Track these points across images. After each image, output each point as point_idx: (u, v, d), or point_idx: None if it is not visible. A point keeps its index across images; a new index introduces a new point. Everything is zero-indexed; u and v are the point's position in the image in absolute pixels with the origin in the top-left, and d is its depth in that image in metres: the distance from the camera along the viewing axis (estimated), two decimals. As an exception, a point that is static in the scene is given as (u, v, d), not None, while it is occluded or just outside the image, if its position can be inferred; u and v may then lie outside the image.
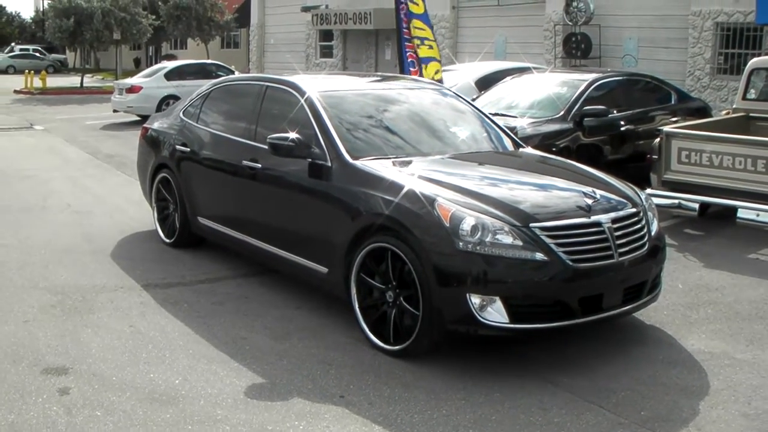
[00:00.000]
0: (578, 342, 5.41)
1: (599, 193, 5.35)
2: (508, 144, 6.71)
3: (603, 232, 5.07)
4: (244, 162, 6.54)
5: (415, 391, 4.70)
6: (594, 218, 5.08)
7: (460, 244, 4.79)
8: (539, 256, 4.81)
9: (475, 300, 4.77)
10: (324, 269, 5.76)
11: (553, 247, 4.85)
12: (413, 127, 6.46)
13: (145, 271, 6.97)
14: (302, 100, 6.28)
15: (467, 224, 4.82)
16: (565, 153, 8.93)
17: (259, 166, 6.39)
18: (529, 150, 6.77)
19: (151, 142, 8.18)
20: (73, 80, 38.65)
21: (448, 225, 4.86)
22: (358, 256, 5.35)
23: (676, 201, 8.49)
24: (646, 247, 5.35)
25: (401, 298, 5.13)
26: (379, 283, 5.30)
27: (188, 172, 7.43)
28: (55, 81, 36.90)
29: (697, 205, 8.43)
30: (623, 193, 5.62)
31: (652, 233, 5.51)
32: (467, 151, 6.35)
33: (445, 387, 4.76)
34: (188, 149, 7.42)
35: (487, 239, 4.79)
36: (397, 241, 5.08)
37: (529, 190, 5.45)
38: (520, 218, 4.91)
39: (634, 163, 9.84)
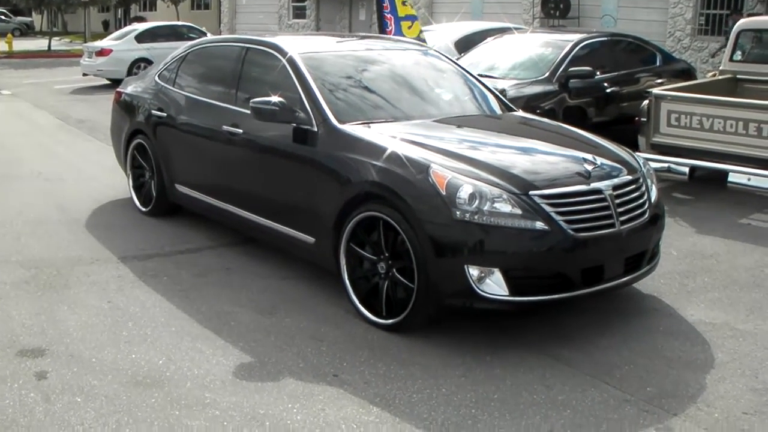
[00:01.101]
0: (575, 313, 5.23)
1: (599, 159, 5.13)
2: (497, 107, 6.46)
3: (604, 199, 4.86)
4: (224, 127, 6.25)
5: (412, 368, 4.49)
6: (594, 185, 4.87)
7: (457, 213, 4.56)
8: (539, 225, 4.59)
9: (473, 272, 4.55)
10: (311, 239, 5.52)
11: (554, 215, 4.64)
12: (400, 89, 6.19)
13: (122, 242, 6.69)
14: (285, 61, 5.99)
15: (464, 192, 4.59)
16: (550, 115, 8.74)
17: (240, 131, 6.11)
18: (520, 113, 6.53)
19: (126, 107, 7.85)
20: (40, 43, 37.76)
21: (444, 193, 4.62)
22: (348, 226, 5.12)
23: (666, 165, 8.30)
24: (646, 214, 5.15)
25: (394, 270, 4.91)
26: (370, 254, 5.07)
27: (165, 137, 7.13)
28: (21, 44, 36.05)
29: (687, 169, 8.25)
30: (622, 159, 5.41)
31: (652, 200, 5.31)
32: (457, 114, 6.10)
33: (443, 363, 4.55)
34: (165, 114, 7.10)
35: (485, 208, 4.57)
36: (389, 209, 4.84)
37: (526, 156, 5.21)
38: (519, 186, 4.69)
39: (620, 125, 9.66)
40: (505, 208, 4.59)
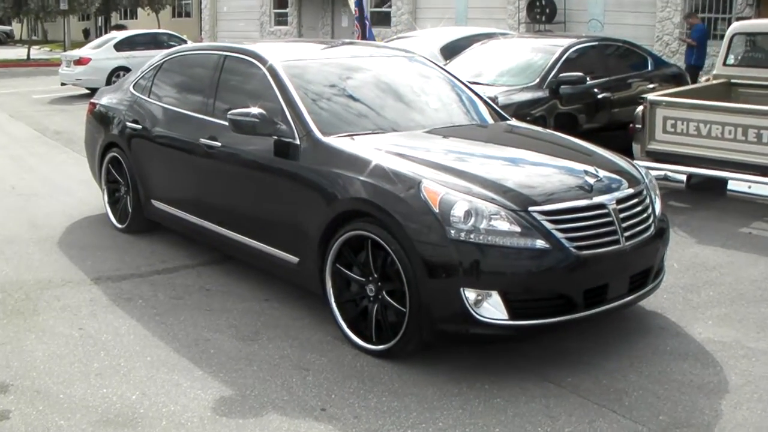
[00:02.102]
0: (575, 335, 4.91)
1: (600, 171, 4.83)
2: (489, 115, 6.15)
3: (608, 214, 4.56)
4: (202, 140, 5.92)
5: (405, 399, 4.17)
6: (597, 199, 4.57)
7: (452, 232, 4.24)
8: (540, 243, 4.28)
9: (469, 295, 4.23)
10: (294, 259, 5.19)
11: (555, 233, 4.33)
12: (387, 99, 5.87)
13: (95, 262, 6.33)
14: (265, 70, 5.67)
15: (459, 209, 4.27)
16: (541, 122, 8.51)
17: (219, 144, 5.78)
18: (513, 122, 6.22)
19: (100, 119, 7.50)
20: (19, 52, 37.23)
21: (436, 210, 4.30)
22: (334, 246, 4.79)
23: (662, 172, 8.01)
24: (651, 229, 4.86)
25: (384, 293, 4.59)
26: (358, 276, 4.75)
27: (140, 151, 6.78)
28: (0, 53, 35.47)
29: (684, 177, 7.98)
30: (624, 170, 5.11)
31: (657, 213, 5.02)
32: (447, 123, 5.78)
33: (439, 393, 4.23)
34: (140, 126, 6.76)
35: (482, 226, 4.25)
36: (378, 228, 4.52)
37: (523, 169, 4.90)
38: (518, 201, 4.38)
39: (612, 132, 9.41)
40: (502, 225, 4.27)
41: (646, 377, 4.46)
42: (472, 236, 4.23)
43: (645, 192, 4.98)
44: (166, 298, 5.58)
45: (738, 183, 7.56)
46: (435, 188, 4.38)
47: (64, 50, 29.27)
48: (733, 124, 7.64)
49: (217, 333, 4.98)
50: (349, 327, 4.80)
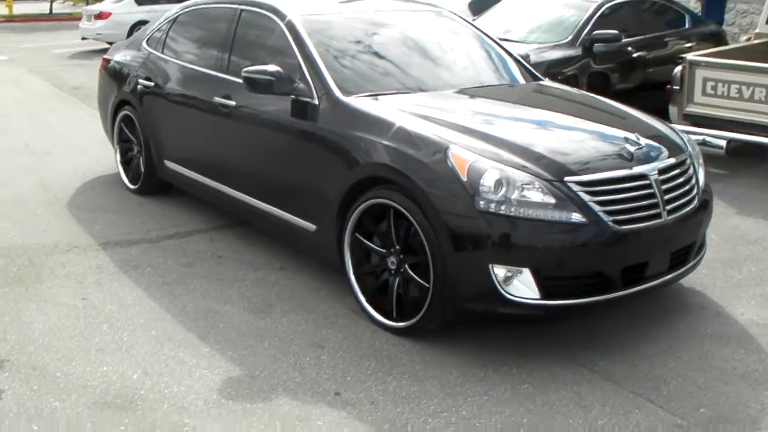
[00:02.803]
0: (608, 315, 4.58)
1: (642, 138, 4.46)
2: (520, 75, 5.76)
3: (649, 186, 4.19)
4: (216, 99, 5.59)
5: (427, 383, 3.87)
6: (638, 169, 4.20)
7: (481, 203, 3.90)
8: (576, 217, 3.93)
9: (498, 271, 3.90)
10: (311, 227, 4.88)
11: (592, 205, 3.98)
12: (413, 57, 5.49)
13: (104, 226, 6.06)
14: (282, 25, 5.32)
15: (489, 178, 3.93)
16: (573, 82, 8.15)
17: (233, 103, 5.45)
18: (547, 82, 5.83)
19: (113, 75, 7.18)
20: (41, 6, 36.83)
21: (465, 179, 3.96)
22: (353, 214, 4.48)
23: (701, 137, 7.59)
24: (695, 202, 4.49)
25: (406, 266, 4.27)
26: (378, 247, 4.43)
27: (153, 109, 6.47)
28: (22, 7, 35.11)
29: (724, 143, 7.55)
30: (666, 137, 4.74)
31: (701, 184, 4.66)
32: (477, 84, 5.41)
33: (462, 377, 3.93)
34: (152, 83, 6.44)
35: (513, 196, 3.91)
36: (401, 197, 4.19)
37: (559, 135, 4.52)
38: (552, 170, 4.02)
39: (647, 92, 8.99)
40: (536, 196, 3.93)
41: (685, 363, 4.14)
42: (502, 208, 3.89)
43: (688, 161, 4.61)
44: (176, 265, 5.30)
45: (782, 150, 7.14)
46: (463, 154, 4.04)
47: (86, 4, 28.90)
48: (778, 87, 7.19)
49: (228, 305, 4.69)
50: (368, 301, 4.50)
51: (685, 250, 4.49)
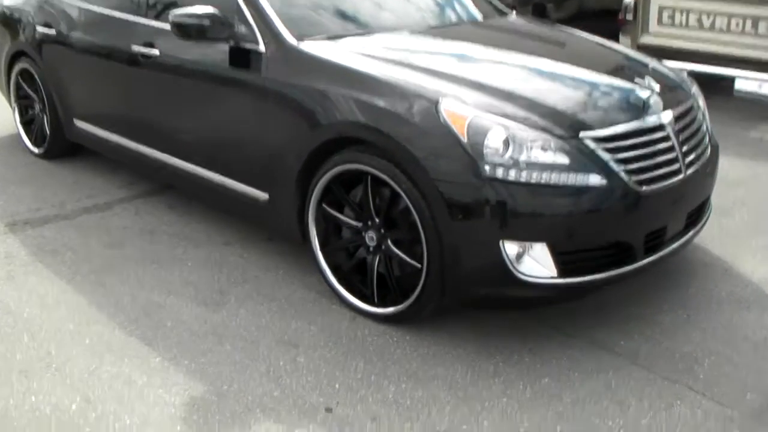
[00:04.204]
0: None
1: (652, 82, 3.85)
2: (477, 11, 5.03)
3: (667, 137, 3.61)
4: (135, 47, 4.73)
5: (431, 386, 3.23)
6: (654, 119, 3.60)
7: (487, 168, 3.23)
8: (595, 178, 3.31)
9: (510, 248, 3.26)
10: (262, 195, 4.14)
11: (612, 164, 3.36)
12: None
13: (8, 200, 5.16)
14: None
15: (495, 138, 3.25)
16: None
17: (157, 52, 4.60)
18: (514, 17, 5.13)
19: (4, 23, 6.15)
20: None
21: (464, 139, 3.27)
22: (319, 182, 3.75)
23: (658, 71, 7.09)
24: (708, 151, 3.94)
25: (389, 242, 3.59)
26: (352, 219, 3.74)
27: (56, 61, 5.53)
28: None
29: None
30: (670, 78, 4.16)
31: (709, 128, 4.11)
32: (445, 23, 4.70)
33: (471, 374, 3.31)
34: (53, 31, 5.48)
35: (522, 158, 3.25)
36: (380, 161, 3.49)
37: (560, 83, 3.84)
38: (565, 125, 3.38)
39: (590, 22, 8.41)
40: (547, 157, 3.28)
41: (711, 335, 3.62)
42: (511, 173, 3.23)
43: (695, 104, 4.05)
44: (101, 247, 4.49)
45: (747, 82, 6.70)
46: (459, 109, 3.34)
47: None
48: (742, 15, 6.72)
49: (172, 295, 3.94)
50: (340, 283, 3.81)
51: (700, 207, 3.95)
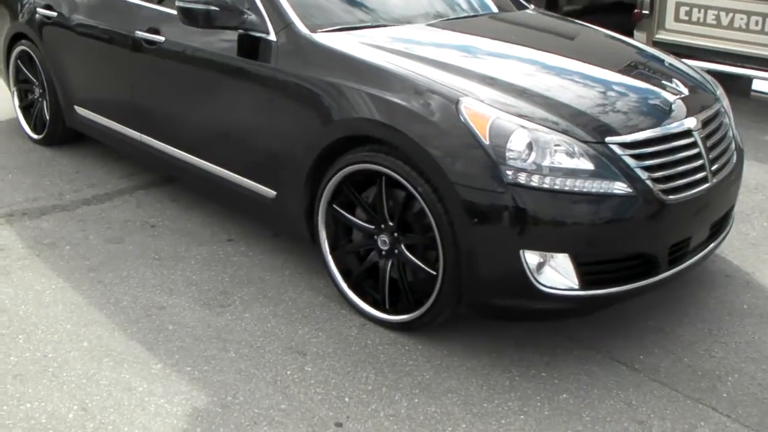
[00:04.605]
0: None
1: (679, 84, 3.70)
2: (492, 4, 4.86)
3: (695, 144, 3.45)
4: (139, 33, 4.56)
5: (445, 400, 3.09)
6: (681, 124, 3.45)
7: (509, 173, 3.08)
8: (620, 186, 3.16)
9: (531, 258, 3.11)
10: (270, 192, 3.99)
11: (638, 172, 3.21)
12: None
13: (5, 188, 5.01)
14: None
15: (519, 141, 3.10)
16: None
17: (162, 39, 4.43)
18: (534, 10, 4.96)
19: (4, 3, 5.98)
20: None
21: (486, 141, 3.12)
22: (330, 181, 3.60)
23: (672, 68, 6.93)
24: (734, 157, 3.79)
25: (402, 246, 3.44)
26: (364, 222, 3.59)
27: (57, 45, 5.36)
28: None
29: (698, 74, 6.91)
30: (696, 79, 4.00)
31: (735, 134, 3.96)
32: (454, 14, 4.53)
33: (486, 388, 3.16)
34: (55, 13, 5.31)
35: (545, 163, 3.10)
36: (396, 162, 3.33)
37: (584, 84, 3.67)
38: (591, 129, 3.22)
39: (605, 17, 8.26)
40: (571, 162, 3.13)
41: (733, 351, 3.48)
42: (534, 178, 3.07)
43: (722, 108, 3.89)
44: (101, 241, 4.34)
45: (765, 82, 6.54)
46: (481, 109, 3.18)
47: None
48: (762, 14, 6.55)
49: (174, 296, 3.79)
50: (350, 287, 3.67)
51: (725, 216, 3.80)
